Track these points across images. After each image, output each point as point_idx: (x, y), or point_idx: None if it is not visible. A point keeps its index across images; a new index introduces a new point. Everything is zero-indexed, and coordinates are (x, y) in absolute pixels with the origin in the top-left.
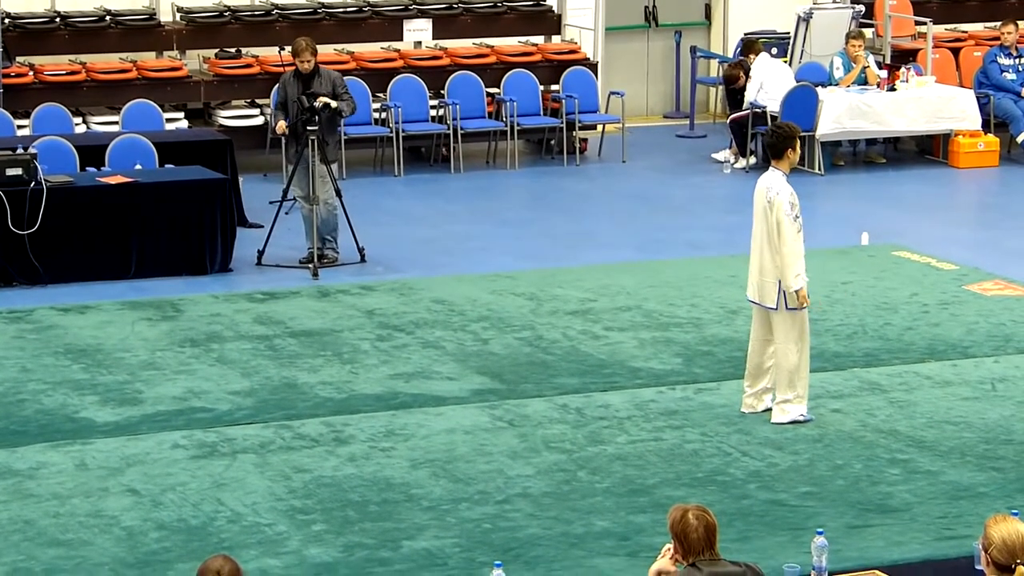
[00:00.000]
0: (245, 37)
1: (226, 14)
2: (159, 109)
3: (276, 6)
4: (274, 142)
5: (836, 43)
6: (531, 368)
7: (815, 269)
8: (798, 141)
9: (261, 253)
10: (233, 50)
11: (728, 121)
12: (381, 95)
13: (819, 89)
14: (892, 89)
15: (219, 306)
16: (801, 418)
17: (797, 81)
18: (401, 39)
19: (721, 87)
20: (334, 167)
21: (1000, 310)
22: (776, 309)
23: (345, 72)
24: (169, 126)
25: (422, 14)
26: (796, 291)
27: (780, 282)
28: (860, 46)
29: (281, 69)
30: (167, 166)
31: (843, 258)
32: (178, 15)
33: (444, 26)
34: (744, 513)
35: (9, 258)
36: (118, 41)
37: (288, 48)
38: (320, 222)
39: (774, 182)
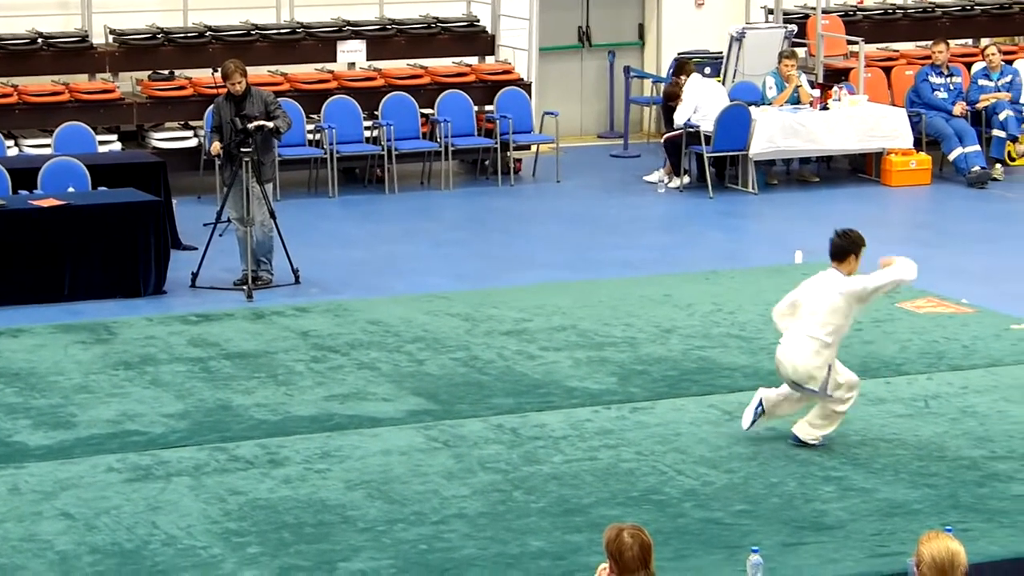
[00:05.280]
0: (178, 59)
1: (159, 36)
2: (92, 131)
3: (209, 28)
4: (208, 164)
5: (769, 63)
6: (466, 388)
7: (749, 288)
8: (863, 251)
9: (195, 275)
10: (166, 72)
11: (662, 140)
12: (315, 116)
13: (752, 108)
14: (825, 108)
15: (153, 328)
16: (816, 442)
17: (730, 100)
18: (335, 60)
19: (656, 107)
20: (268, 188)
21: (933, 327)
22: (818, 392)
23: (279, 94)
24: (102, 148)
25: (356, 35)
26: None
27: (829, 368)
28: (793, 65)
29: (215, 91)
30: (100, 189)
31: (777, 276)
32: (111, 37)
33: (378, 47)
34: (680, 531)
35: None
36: (50, 63)
37: (220, 71)
38: (255, 244)
39: (839, 281)
